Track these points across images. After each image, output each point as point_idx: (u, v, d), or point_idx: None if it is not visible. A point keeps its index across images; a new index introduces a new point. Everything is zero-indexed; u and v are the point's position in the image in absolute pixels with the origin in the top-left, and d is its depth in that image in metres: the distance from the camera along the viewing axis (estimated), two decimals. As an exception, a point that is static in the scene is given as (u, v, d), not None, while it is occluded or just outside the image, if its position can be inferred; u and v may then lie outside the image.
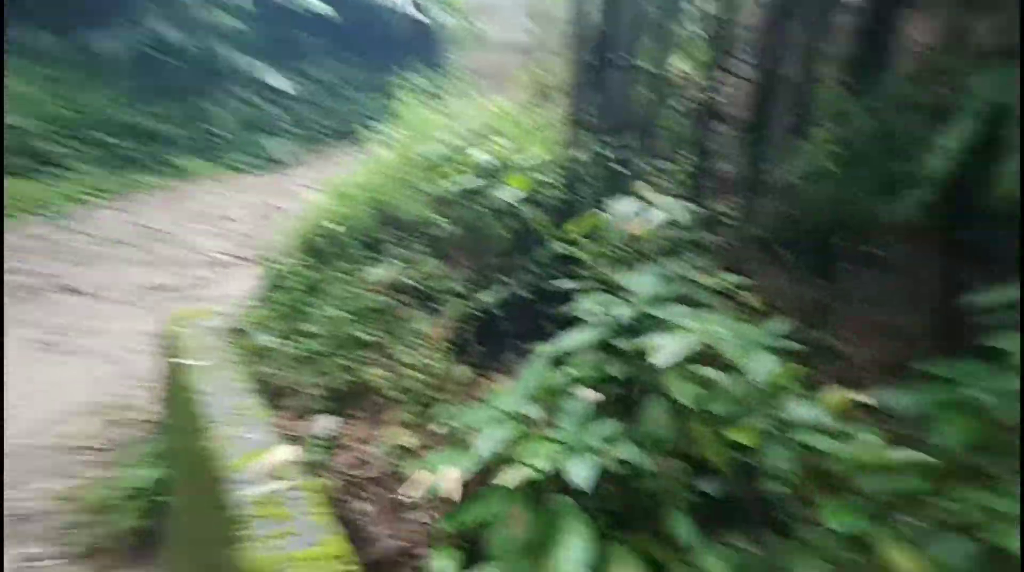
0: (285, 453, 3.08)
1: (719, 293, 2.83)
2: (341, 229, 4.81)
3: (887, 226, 4.50)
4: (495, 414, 2.47)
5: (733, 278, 2.75)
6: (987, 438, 1.79)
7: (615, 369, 2.34)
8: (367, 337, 4.16)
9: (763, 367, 1.81)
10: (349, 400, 4.05)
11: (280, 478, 2.93)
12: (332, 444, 3.81)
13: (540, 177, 4.56)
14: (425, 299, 4.38)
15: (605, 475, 2.16)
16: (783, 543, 2.16)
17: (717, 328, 2.16)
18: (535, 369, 2.66)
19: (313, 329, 4.32)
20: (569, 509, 2.25)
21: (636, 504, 2.43)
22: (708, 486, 2.23)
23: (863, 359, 3.88)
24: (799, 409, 1.84)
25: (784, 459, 1.78)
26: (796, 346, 2.30)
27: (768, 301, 3.75)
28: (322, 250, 4.86)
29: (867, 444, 1.61)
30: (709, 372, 2.08)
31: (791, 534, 2.18)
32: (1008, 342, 1.87)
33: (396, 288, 4.40)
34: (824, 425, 1.75)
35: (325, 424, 3.96)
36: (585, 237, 3.22)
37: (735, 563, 2.08)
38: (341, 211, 4.96)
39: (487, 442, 2.29)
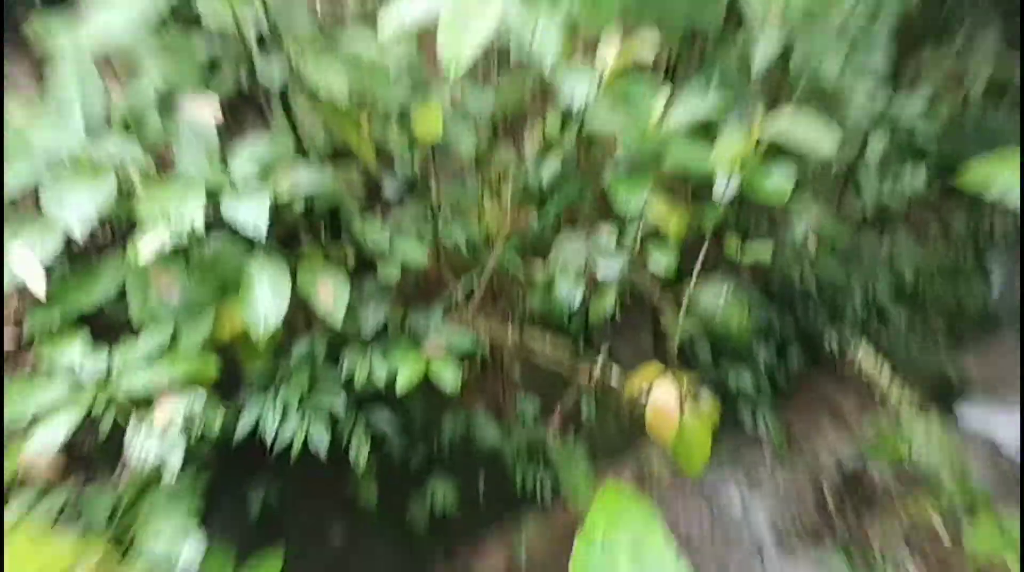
0: None
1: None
2: None
3: None
4: (43, 160, 1.45)
5: None
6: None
7: (223, 63, 1.51)
8: None
9: (550, 44, 1.31)
10: None
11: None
12: None
13: None
14: None
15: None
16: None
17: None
18: (71, 76, 1.53)
19: None
20: (239, 253, 1.78)
21: (311, 219, 2.09)
22: (386, 185, 2.01)
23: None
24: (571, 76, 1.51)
25: (469, 141, 1.64)
26: None
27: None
28: None
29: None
30: (363, 53, 1.52)
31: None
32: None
33: None
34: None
35: None
36: None
37: (416, 232, 2.15)
38: None
39: (71, 208, 1.39)
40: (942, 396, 3.29)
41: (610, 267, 1.65)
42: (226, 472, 1.79)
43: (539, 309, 2.71)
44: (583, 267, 1.68)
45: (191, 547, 1.40)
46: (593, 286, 1.82)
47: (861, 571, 2.74)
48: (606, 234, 1.70)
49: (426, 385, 1.98)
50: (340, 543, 2.55)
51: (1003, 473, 2.83)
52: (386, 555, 2.72)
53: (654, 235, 1.57)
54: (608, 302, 1.88)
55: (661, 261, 1.56)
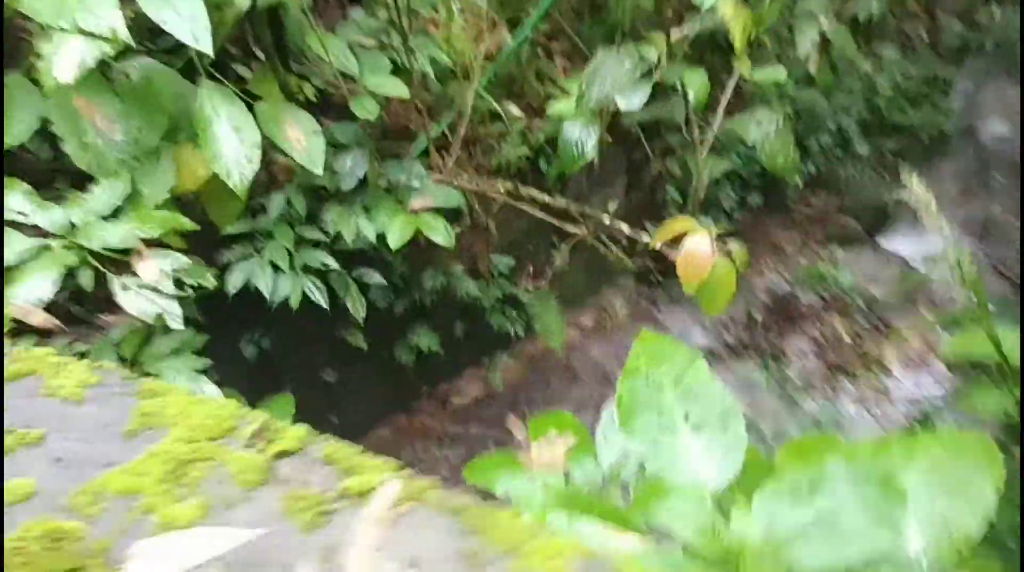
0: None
1: None
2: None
3: None
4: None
5: None
6: None
7: None
8: None
9: None
10: None
11: None
12: None
13: None
14: None
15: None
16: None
17: None
18: None
19: None
20: (174, 79, 1.50)
21: (252, 27, 1.75)
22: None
23: None
24: None
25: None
26: None
27: None
28: None
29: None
30: None
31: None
32: None
33: None
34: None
35: None
36: None
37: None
38: None
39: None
40: (876, 226, 3.61)
41: (635, 96, 1.37)
42: (220, 323, 1.78)
43: (515, 157, 2.59)
44: (600, 101, 1.45)
45: (209, 388, 1.45)
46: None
47: (775, 377, 3.29)
48: (629, 56, 1.42)
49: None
50: (333, 381, 2.74)
51: (908, 284, 3.35)
52: (375, 390, 2.97)
53: (678, 55, 1.35)
54: (592, 146, 1.80)
55: (694, 85, 1.31)
